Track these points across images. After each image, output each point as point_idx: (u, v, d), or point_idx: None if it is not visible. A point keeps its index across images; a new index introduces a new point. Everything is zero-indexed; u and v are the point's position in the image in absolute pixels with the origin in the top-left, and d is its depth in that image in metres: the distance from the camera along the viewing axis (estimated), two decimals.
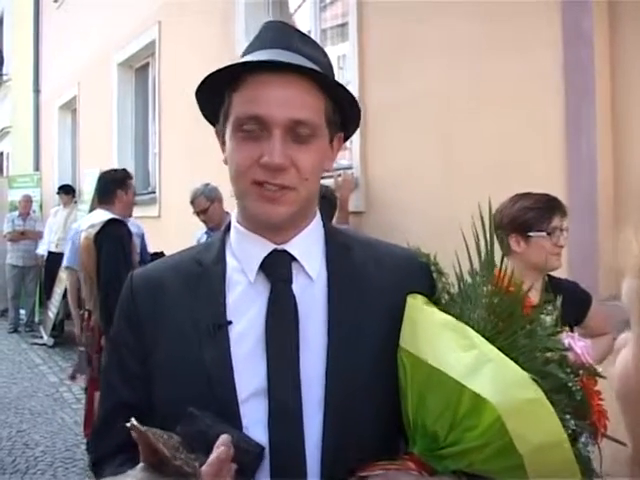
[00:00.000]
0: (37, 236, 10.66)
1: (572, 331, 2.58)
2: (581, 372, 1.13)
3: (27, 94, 14.44)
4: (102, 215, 4.61)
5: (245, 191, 1.15)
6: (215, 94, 1.18)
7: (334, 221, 4.40)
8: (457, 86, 3.89)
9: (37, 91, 14.17)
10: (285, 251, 1.20)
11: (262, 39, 1.19)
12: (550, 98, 3.29)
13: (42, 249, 10.21)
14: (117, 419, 1.12)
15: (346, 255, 1.24)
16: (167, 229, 7.21)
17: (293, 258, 1.20)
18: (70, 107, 12.33)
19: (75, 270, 4.92)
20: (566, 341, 1.19)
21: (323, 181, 4.62)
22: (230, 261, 1.22)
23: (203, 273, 1.21)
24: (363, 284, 1.21)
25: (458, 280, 1.17)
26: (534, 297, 1.19)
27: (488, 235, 1.15)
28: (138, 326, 1.20)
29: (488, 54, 3.65)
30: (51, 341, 9.59)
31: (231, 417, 1.09)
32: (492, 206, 1.18)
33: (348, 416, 1.12)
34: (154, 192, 8.26)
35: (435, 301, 1.18)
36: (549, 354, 1.11)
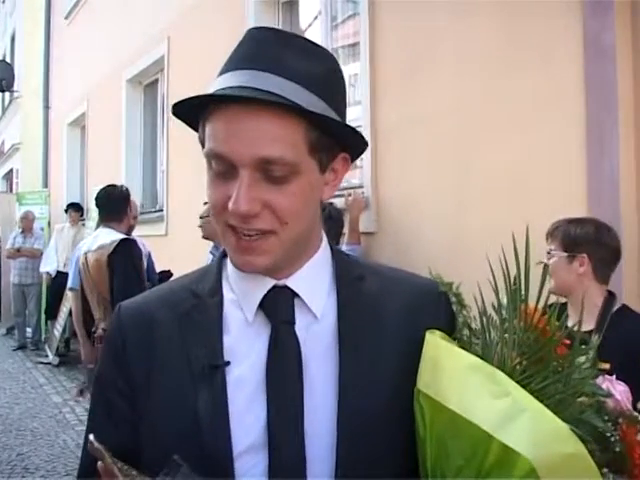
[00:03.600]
0: (34, 254, 10.57)
1: None
2: (620, 420, 0.99)
3: (37, 111, 14.54)
4: (110, 234, 4.50)
5: (223, 233, 1.03)
6: (193, 119, 1.06)
7: (344, 242, 4.30)
8: (471, 105, 3.77)
9: (47, 107, 14.22)
10: (286, 287, 1.07)
11: (240, 54, 1.01)
12: (570, 116, 3.16)
13: (50, 267, 10.08)
14: None
15: (358, 286, 1.10)
16: (174, 247, 7.12)
17: (295, 294, 1.07)
18: (79, 124, 12.32)
19: (78, 291, 4.81)
20: (604, 385, 1.07)
21: (332, 200, 4.46)
22: (227, 293, 1.10)
23: (198, 305, 1.09)
24: (376, 319, 1.07)
25: (480, 314, 1.03)
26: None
27: (523, 263, 1.00)
28: (127, 366, 1.08)
29: (504, 71, 3.54)
30: (56, 360, 9.49)
31: (222, 474, 0.97)
32: (529, 233, 1.01)
33: (364, 469, 0.99)
34: (162, 210, 8.18)
35: (455, 337, 1.04)
36: (585, 399, 0.98)
